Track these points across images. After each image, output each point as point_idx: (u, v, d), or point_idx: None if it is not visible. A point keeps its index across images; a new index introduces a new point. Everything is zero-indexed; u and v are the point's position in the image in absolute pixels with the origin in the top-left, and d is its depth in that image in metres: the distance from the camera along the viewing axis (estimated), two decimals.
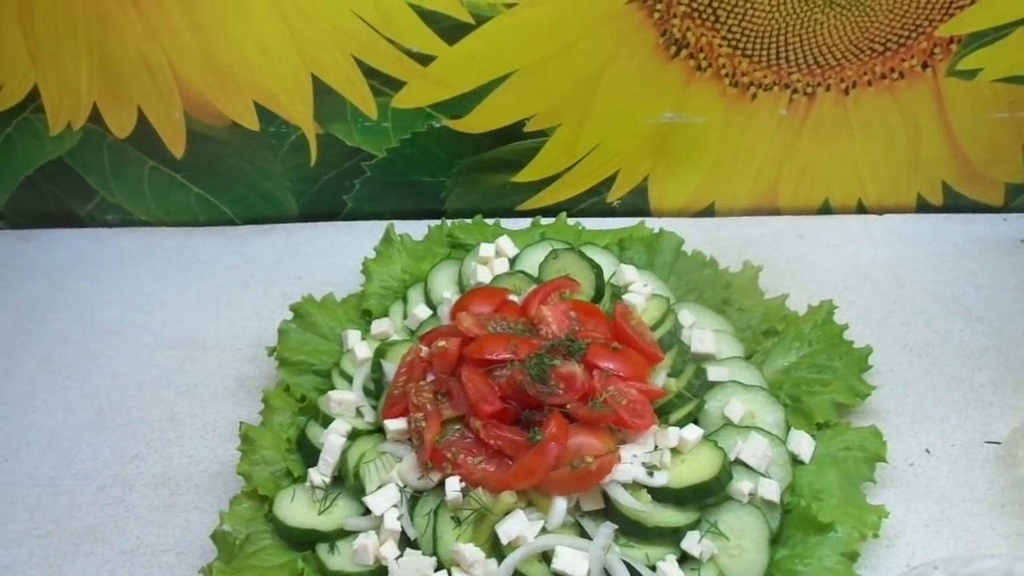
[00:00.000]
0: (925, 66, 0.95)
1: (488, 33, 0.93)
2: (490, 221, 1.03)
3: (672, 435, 0.73)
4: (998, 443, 0.81)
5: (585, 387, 0.72)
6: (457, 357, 0.76)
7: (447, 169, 1.06)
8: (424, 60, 0.96)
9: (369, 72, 0.98)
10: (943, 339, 0.92)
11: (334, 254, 1.07)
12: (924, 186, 1.05)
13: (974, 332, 0.93)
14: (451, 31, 0.94)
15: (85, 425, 0.90)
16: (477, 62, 0.96)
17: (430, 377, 0.78)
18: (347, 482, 0.75)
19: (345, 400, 0.80)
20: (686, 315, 0.86)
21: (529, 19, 0.92)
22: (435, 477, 0.72)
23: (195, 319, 1.01)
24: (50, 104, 1.02)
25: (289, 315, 0.92)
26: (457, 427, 0.74)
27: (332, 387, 0.84)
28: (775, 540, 0.71)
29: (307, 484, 0.75)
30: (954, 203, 1.06)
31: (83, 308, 1.03)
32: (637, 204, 1.08)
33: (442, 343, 0.76)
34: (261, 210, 1.11)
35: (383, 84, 0.99)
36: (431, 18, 0.93)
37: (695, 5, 0.91)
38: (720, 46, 0.94)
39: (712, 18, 0.92)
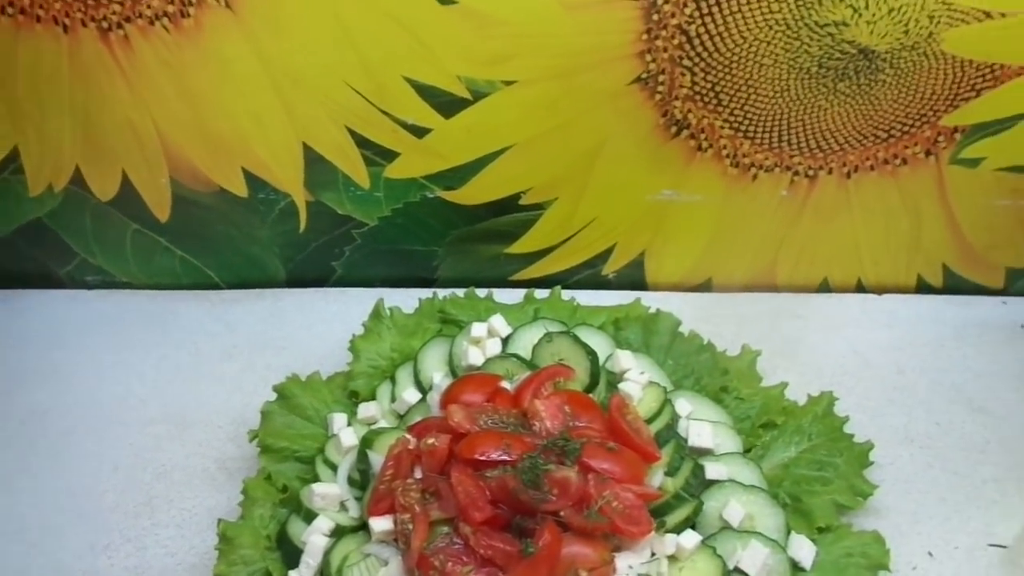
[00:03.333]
0: (928, 153, 0.93)
1: (485, 108, 0.92)
2: (482, 292, 1.00)
3: (669, 542, 0.70)
4: (1002, 546, 0.79)
5: (580, 492, 0.69)
6: (447, 454, 0.73)
7: (439, 239, 1.04)
8: (419, 132, 0.94)
9: (362, 142, 0.95)
10: (944, 431, 0.90)
11: (322, 323, 1.04)
12: (924, 268, 1.03)
13: (975, 424, 0.91)
14: (447, 105, 0.92)
15: (55, 511, 0.85)
16: (473, 136, 0.94)
17: (418, 473, 0.75)
18: None
19: (329, 494, 0.77)
20: (683, 404, 0.84)
21: (528, 96, 0.91)
22: None
23: (175, 393, 0.97)
24: (30, 166, 0.99)
25: (271, 388, 0.88)
26: (445, 530, 0.70)
27: (316, 476, 0.81)
28: None
29: None
30: (954, 285, 1.04)
31: (58, 379, 0.99)
32: (633, 277, 1.06)
33: (431, 440, 0.73)
34: (247, 275, 1.08)
35: (376, 154, 0.96)
36: (427, 93, 0.91)
37: (697, 88, 0.89)
38: (722, 128, 0.92)
39: (714, 101, 0.90)
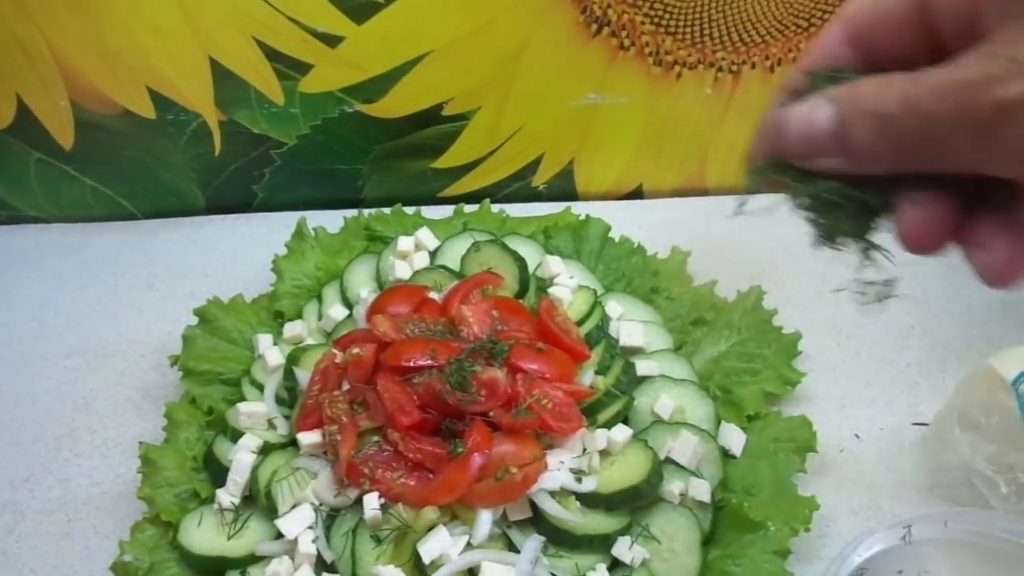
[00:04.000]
0: None
1: (399, 12, 0.88)
2: (410, 210, 0.98)
3: (600, 437, 0.70)
4: (925, 424, 0.81)
5: (508, 393, 0.68)
6: (373, 364, 0.72)
7: (363, 156, 1.01)
8: (331, 41, 0.90)
9: (272, 55, 0.91)
10: (870, 319, 0.92)
11: (245, 249, 1.01)
12: None
13: (900, 310, 0.92)
14: (359, 10, 0.88)
15: None
16: (389, 43, 0.90)
17: (345, 386, 0.73)
18: (258, 502, 0.70)
19: (255, 412, 0.75)
20: (614, 306, 0.83)
21: None
22: (352, 494, 0.67)
23: (93, 324, 0.93)
24: None
25: (192, 313, 0.86)
26: (375, 439, 0.69)
27: (242, 398, 0.79)
28: (707, 540, 0.69)
29: (215, 506, 0.70)
30: None
31: None
32: (564, 188, 1.04)
33: (356, 350, 0.72)
34: (164, 203, 1.04)
35: (288, 67, 0.92)
36: None
37: None
38: (643, 24, 0.90)
39: None
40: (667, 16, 0.89)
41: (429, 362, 0.70)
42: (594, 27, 0.90)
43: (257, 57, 0.91)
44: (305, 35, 0.89)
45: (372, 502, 0.66)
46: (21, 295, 0.97)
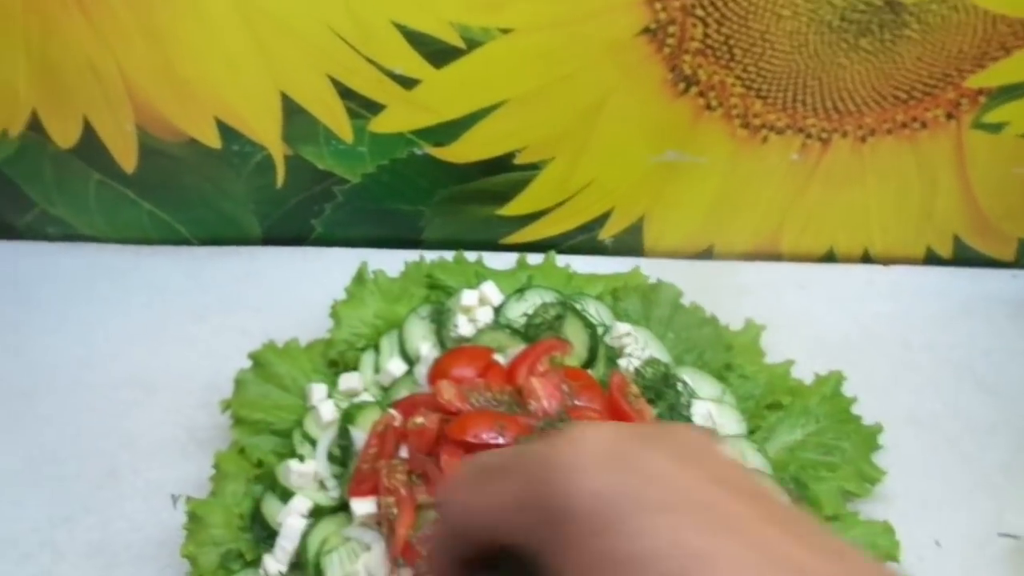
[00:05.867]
0: (950, 117, 0.88)
1: (480, 59, 0.84)
2: (472, 256, 0.94)
3: None
4: (1013, 536, 0.76)
5: None
6: (436, 434, 0.68)
7: (427, 198, 0.98)
8: (407, 83, 0.87)
9: (345, 93, 0.88)
10: (952, 411, 0.87)
11: (299, 284, 0.98)
12: (934, 238, 0.99)
13: (984, 404, 0.87)
14: (439, 55, 0.85)
15: (11, 478, 0.80)
16: (466, 88, 0.87)
17: (403, 452, 0.70)
18: (306, 572, 0.67)
19: (307, 472, 0.72)
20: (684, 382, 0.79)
21: (526, 46, 0.84)
22: (407, 574, 0.64)
23: (141, 355, 0.91)
24: None
25: (245, 352, 0.82)
26: (433, 515, 0.66)
27: (293, 450, 0.75)
28: None
29: (260, 572, 0.67)
30: (964, 256, 1.00)
31: (18, 336, 0.93)
32: (631, 243, 1.00)
33: (420, 420, 0.68)
34: (220, 231, 1.01)
35: (360, 106, 0.89)
36: (417, 40, 0.83)
37: (709, 42, 0.83)
38: (733, 85, 0.86)
39: (727, 56, 0.84)
40: (760, 80, 0.85)
41: (497, 439, 0.66)
42: (682, 85, 0.86)
43: (330, 95, 0.88)
44: (381, 76, 0.86)
45: None
46: (71, 317, 0.95)
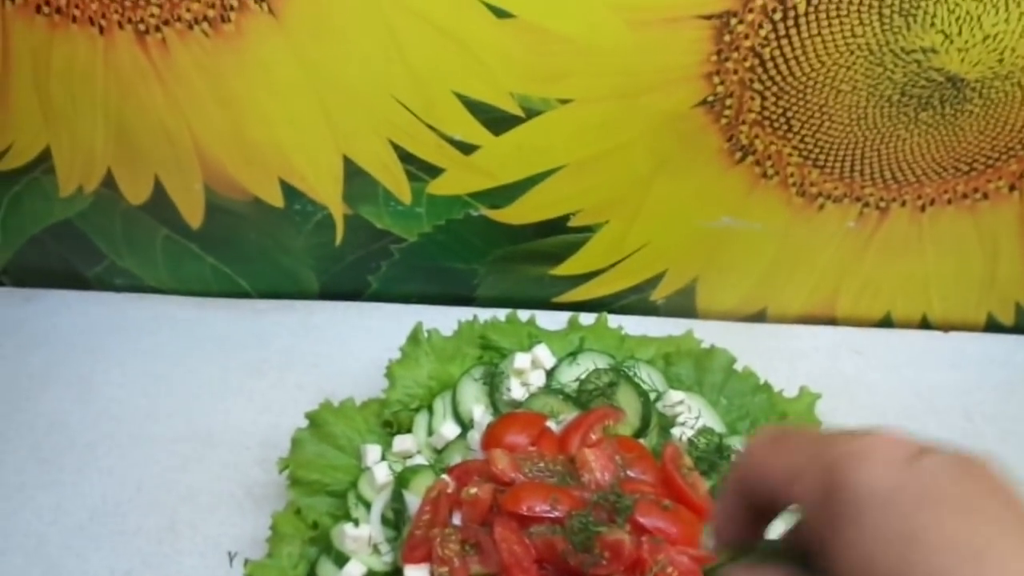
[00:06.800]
0: (1012, 188, 0.87)
1: (538, 127, 0.86)
2: (524, 315, 0.95)
3: None
4: None
5: (633, 557, 0.64)
6: (490, 504, 0.69)
7: (481, 257, 0.99)
8: (466, 149, 0.89)
9: (406, 157, 0.90)
10: (1018, 486, 0.84)
11: (355, 339, 1.00)
12: (996, 305, 0.97)
13: None
14: (497, 122, 0.86)
15: (76, 530, 0.82)
16: (523, 154, 0.89)
17: (456, 519, 0.70)
18: None
19: (361, 537, 0.73)
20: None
21: (584, 116, 0.85)
22: None
23: (202, 409, 0.93)
24: (62, 166, 0.95)
25: (301, 408, 0.84)
26: None
27: (347, 512, 0.77)
28: None
29: None
30: None
31: (84, 386, 0.96)
32: (683, 305, 1.01)
33: (474, 490, 0.69)
34: (279, 285, 1.04)
35: (420, 170, 0.91)
36: (477, 108, 0.86)
37: (767, 113, 0.83)
38: (790, 155, 0.86)
39: (784, 127, 0.84)
40: (816, 150, 0.85)
41: (550, 512, 0.66)
42: (738, 155, 0.87)
43: (391, 159, 0.90)
44: (441, 142, 0.88)
45: None
46: (136, 370, 0.98)
